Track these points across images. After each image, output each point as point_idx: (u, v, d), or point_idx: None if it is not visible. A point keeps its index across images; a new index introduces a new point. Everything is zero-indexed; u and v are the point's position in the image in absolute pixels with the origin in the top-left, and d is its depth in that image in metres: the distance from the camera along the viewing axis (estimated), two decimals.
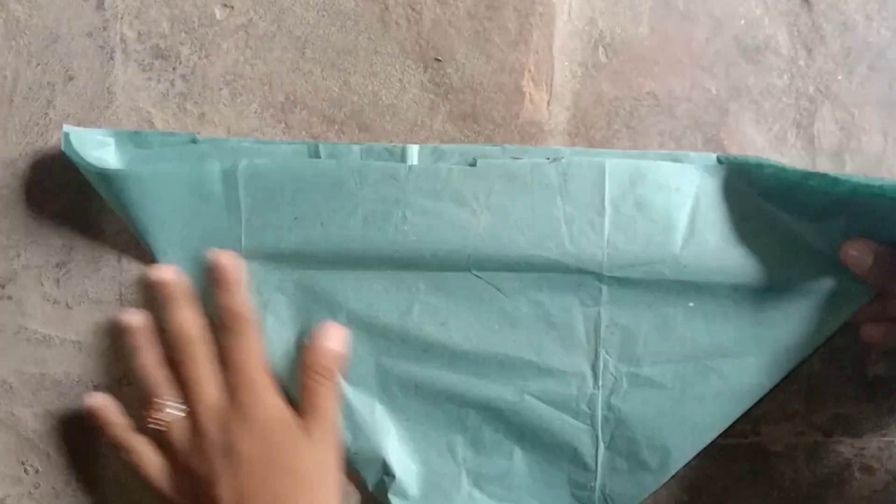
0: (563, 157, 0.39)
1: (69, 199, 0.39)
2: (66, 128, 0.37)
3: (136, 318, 0.38)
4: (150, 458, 0.37)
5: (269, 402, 0.37)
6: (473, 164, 0.39)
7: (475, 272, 0.39)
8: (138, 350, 0.38)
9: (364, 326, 0.39)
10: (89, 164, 0.37)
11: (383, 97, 0.40)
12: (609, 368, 0.39)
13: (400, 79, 0.40)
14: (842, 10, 0.40)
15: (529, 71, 0.40)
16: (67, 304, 0.40)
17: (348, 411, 0.39)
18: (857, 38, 0.40)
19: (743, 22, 0.40)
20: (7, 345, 0.40)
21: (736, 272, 0.38)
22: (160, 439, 0.37)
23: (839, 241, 0.37)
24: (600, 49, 0.40)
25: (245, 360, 0.37)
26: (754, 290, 0.38)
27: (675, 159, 0.39)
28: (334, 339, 0.38)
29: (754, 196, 0.38)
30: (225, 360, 0.37)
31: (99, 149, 0.38)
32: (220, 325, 0.37)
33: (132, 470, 0.37)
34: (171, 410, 0.37)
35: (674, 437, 0.39)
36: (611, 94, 0.40)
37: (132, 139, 0.39)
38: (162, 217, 0.38)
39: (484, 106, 0.40)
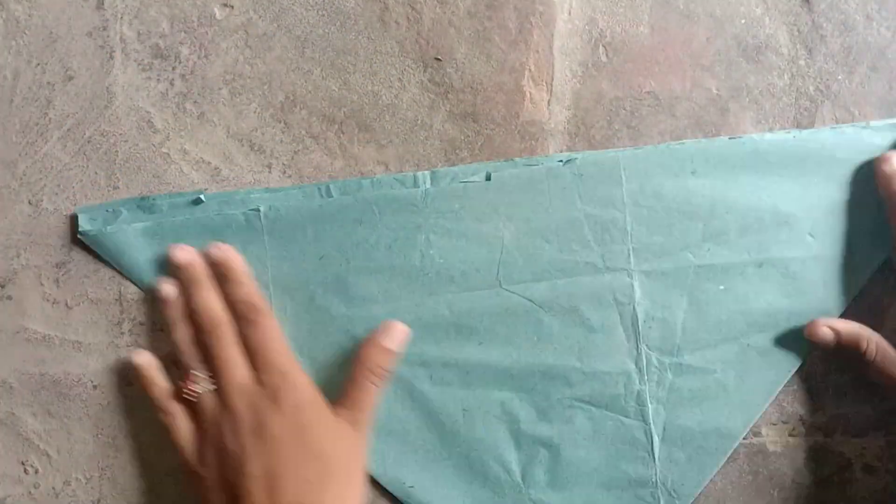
0: (576, 158, 0.39)
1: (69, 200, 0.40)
2: (76, 209, 0.39)
3: (170, 290, 0.38)
4: (182, 424, 0.38)
5: (298, 384, 0.37)
6: (488, 179, 0.39)
7: (506, 287, 0.39)
8: (173, 323, 0.38)
9: (401, 359, 0.39)
10: (106, 246, 0.39)
11: (383, 97, 0.40)
12: (652, 362, 0.39)
13: (400, 78, 0.40)
14: (842, 9, 0.40)
15: (530, 70, 0.40)
16: (67, 304, 0.40)
17: (401, 445, 0.39)
18: (857, 38, 0.40)
19: (743, 21, 0.40)
20: (7, 345, 0.40)
21: (759, 247, 0.39)
22: (192, 410, 0.38)
23: (858, 198, 0.39)
24: (600, 48, 0.40)
25: (268, 345, 0.37)
26: (779, 262, 0.39)
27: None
28: (394, 338, 0.38)
29: (767, 165, 0.39)
30: (248, 346, 0.38)
31: (112, 222, 0.39)
32: (236, 317, 0.38)
33: (165, 432, 0.38)
34: (203, 383, 0.37)
35: (724, 418, 0.39)
36: (611, 94, 0.40)
37: (140, 206, 0.39)
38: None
39: (484, 105, 0.40)
